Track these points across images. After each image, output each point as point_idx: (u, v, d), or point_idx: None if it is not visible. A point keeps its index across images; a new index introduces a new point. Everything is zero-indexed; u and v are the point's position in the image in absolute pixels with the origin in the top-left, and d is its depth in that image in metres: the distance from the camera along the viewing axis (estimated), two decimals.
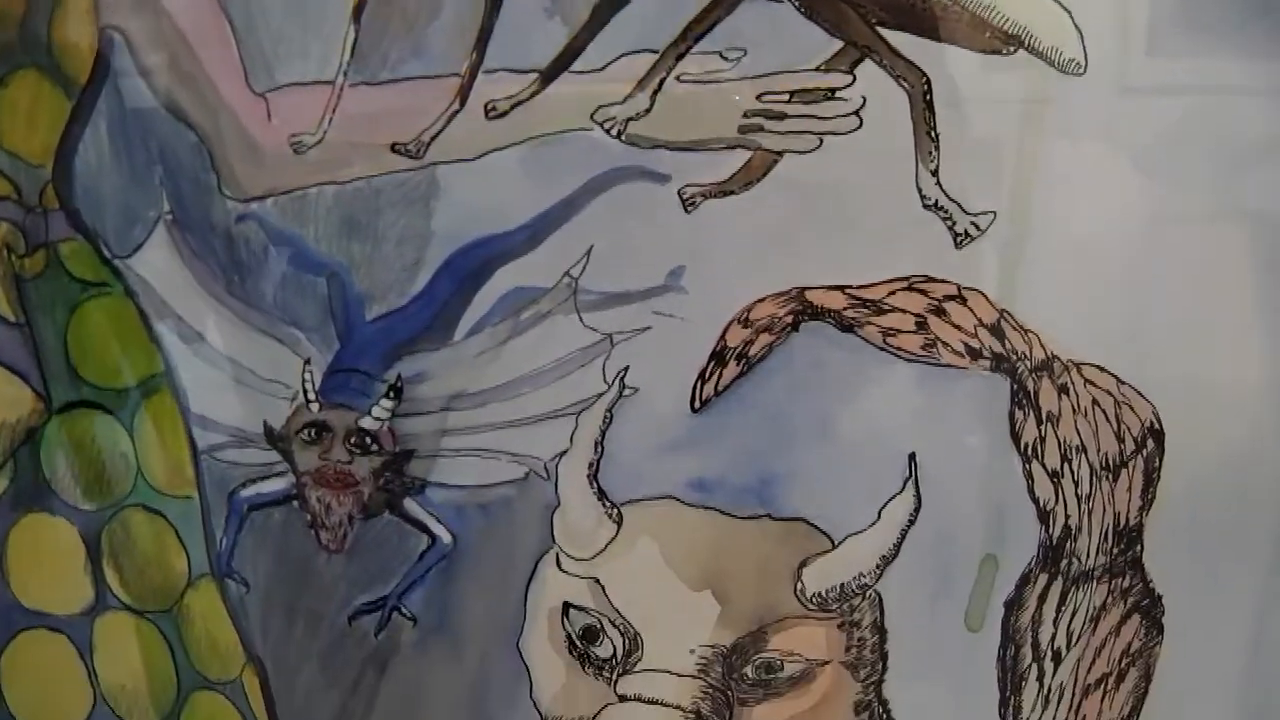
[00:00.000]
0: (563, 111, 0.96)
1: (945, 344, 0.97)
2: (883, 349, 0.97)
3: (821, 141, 0.95)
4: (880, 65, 0.93)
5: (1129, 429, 0.98)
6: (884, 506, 0.99)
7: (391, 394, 1.01)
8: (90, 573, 1.10)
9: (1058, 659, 1.02)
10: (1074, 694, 1.03)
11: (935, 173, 0.94)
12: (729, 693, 1.01)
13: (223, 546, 1.07)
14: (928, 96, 0.93)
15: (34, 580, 1.10)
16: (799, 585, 1.00)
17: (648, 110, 0.95)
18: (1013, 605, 1.01)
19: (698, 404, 0.99)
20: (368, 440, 1.02)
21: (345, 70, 0.97)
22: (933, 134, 0.94)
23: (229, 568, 1.07)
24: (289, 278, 1.01)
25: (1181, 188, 0.95)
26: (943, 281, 0.97)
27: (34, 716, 1.13)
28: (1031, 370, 0.97)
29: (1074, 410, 0.98)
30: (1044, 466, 0.99)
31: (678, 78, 0.95)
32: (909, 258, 0.96)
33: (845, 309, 0.97)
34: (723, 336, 0.98)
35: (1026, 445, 0.98)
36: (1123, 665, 1.03)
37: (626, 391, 0.99)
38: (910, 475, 0.98)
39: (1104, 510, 0.99)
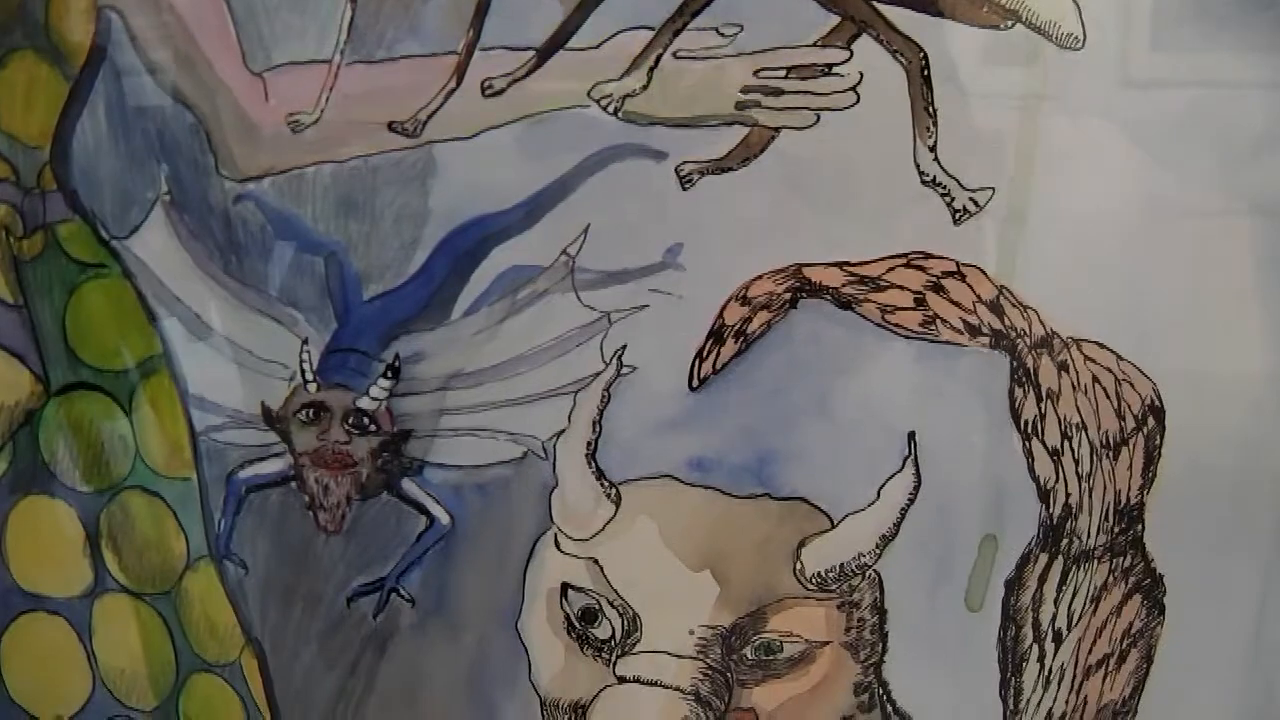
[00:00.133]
0: (559, 89, 0.96)
1: (944, 321, 0.96)
2: (881, 326, 0.97)
3: (819, 118, 0.95)
4: (877, 41, 0.93)
5: (1129, 406, 0.98)
6: (883, 485, 0.98)
7: (389, 374, 1.01)
8: (89, 555, 1.09)
9: (1059, 639, 1.01)
10: (1075, 675, 1.02)
11: (933, 148, 0.94)
12: (728, 674, 1.01)
13: (221, 528, 1.07)
14: (925, 72, 0.93)
15: (33, 563, 1.10)
16: (798, 565, 0.99)
17: (644, 87, 0.95)
18: (1013, 585, 1.01)
19: (696, 382, 0.99)
20: (365, 420, 1.02)
21: (342, 49, 0.97)
22: (930, 110, 0.94)
23: (227, 549, 1.07)
24: (286, 258, 1.01)
25: (1183, 167, 0.95)
26: (941, 258, 0.96)
27: (33, 699, 1.13)
28: (1031, 347, 0.97)
29: (1074, 387, 0.97)
30: (1044, 444, 0.98)
31: (674, 54, 0.95)
32: (907, 234, 0.96)
33: (843, 286, 0.97)
34: (721, 314, 0.98)
35: (1026, 423, 0.98)
36: (1124, 646, 1.02)
37: (624, 370, 0.99)
38: (910, 454, 0.98)
39: (1105, 489, 0.99)
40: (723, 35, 0.94)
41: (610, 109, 0.95)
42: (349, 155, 0.98)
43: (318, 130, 0.98)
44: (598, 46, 0.95)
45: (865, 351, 0.98)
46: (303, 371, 1.02)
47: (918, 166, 0.95)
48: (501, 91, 0.96)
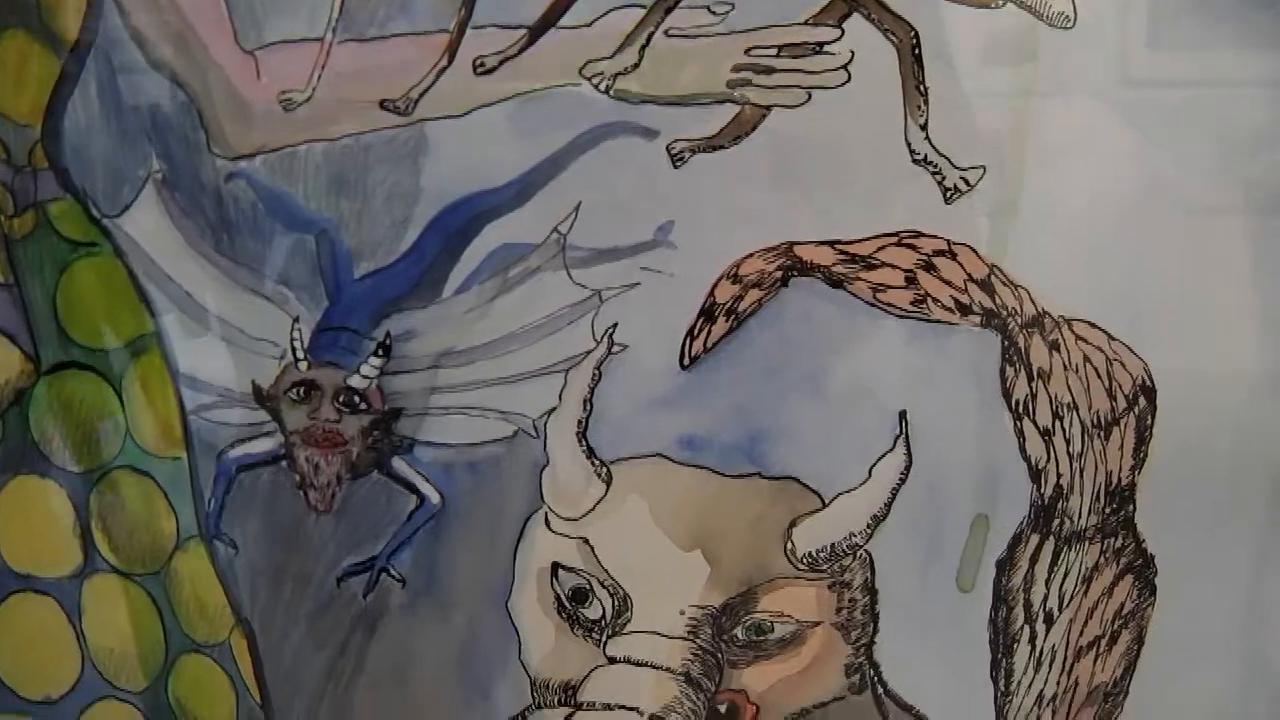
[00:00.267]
0: (551, 67, 0.96)
1: (935, 299, 0.96)
2: (873, 305, 0.97)
3: (810, 96, 0.95)
4: (868, 19, 0.93)
5: (1120, 386, 0.98)
6: (874, 465, 0.98)
7: (380, 352, 1.00)
8: (79, 535, 1.09)
9: (1050, 620, 1.01)
10: (1066, 656, 1.02)
11: (924, 127, 0.94)
12: (719, 655, 1.00)
13: (211, 508, 1.06)
14: (916, 51, 0.93)
15: (23, 543, 1.10)
16: (789, 545, 0.99)
17: (636, 65, 0.95)
18: (1004, 566, 1.01)
19: (687, 361, 0.99)
20: (356, 399, 1.01)
21: (334, 27, 0.97)
22: (921, 88, 0.94)
23: (217, 529, 1.07)
24: (278, 236, 1.00)
25: (1181, 162, 0.95)
26: (932, 236, 0.96)
27: (22, 679, 1.13)
28: (1022, 326, 0.97)
29: (1065, 367, 0.97)
30: (1035, 424, 0.98)
31: (665, 32, 0.95)
32: (898, 212, 0.96)
33: (834, 264, 0.97)
34: (712, 292, 0.98)
35: (1017, 402, 0.98)
36: (1115, 627, 1.02)
37: (615, 348, 0.98)
38: (901, 433, 0.97)
39: (1096, 469, 0.99)
40: (714, 13, 0.94)
41: (602, 87, 0.95)
42: (341, 133, 0.98)
43: (310, 108, 0.98)
44: (589, 24, 0.95)
45: (857, 330, 0.98)
46: (294, 350, 1.01)
47: (909, 145, 0.95)
48: (493, 70, 0.96)
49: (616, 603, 1.00)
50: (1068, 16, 0.92)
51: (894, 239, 0.96)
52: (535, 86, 0.96)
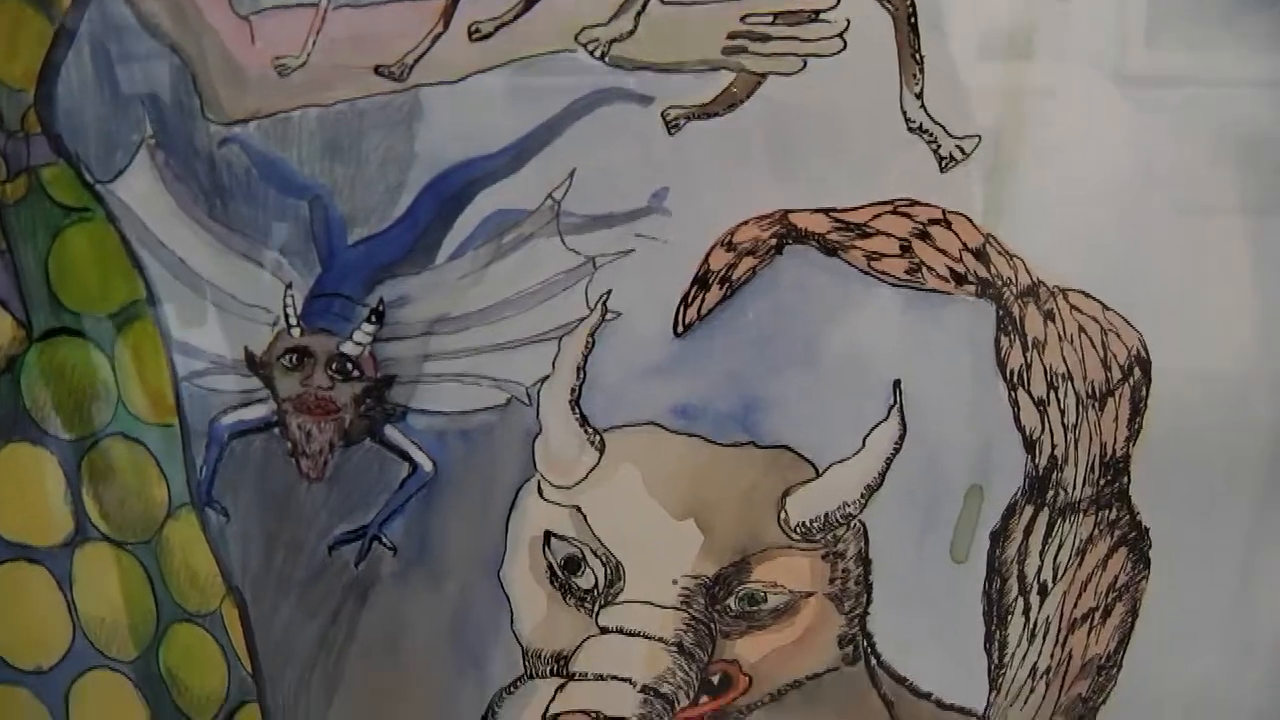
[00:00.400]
0: (546, 33, 0.95)
1: (930, 268, 0.96)
2: (867, 273, 0.97)
3: (805, 64, 0.95)
4: None
5: (1115, 357, 0.98)
6: (868, 434, 0.98)
7: (373, 318, 1.00)
8: (71, 503, 1.09)
9: (1044, 592, 1.01)
10: (1060, 628, 1.02)
11: (919, 95, 0.94)
12: (712, 625, 1.00)
13: (203, 475, 1.06)
14: (912, 19, 0.93)
15: (14, 511, 1.10)
16: (783, 514, 0.99)
17: (631, 32, 0.95)
18: (998, 537, 1.00)
19: (680, 328, 0.98)
20: (349, 366, 1.01)
21: None
22: (917, 56, 0.94)
23: (209, 497, 1.06)
24: (271, 201, 1.00)
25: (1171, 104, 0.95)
26: (928, 205, 0.96)
27: (13, 648, 1.12)
28: (1017, 296, 0.97)
29: (1060, 337, 0.97)
30: (1030, 394, 0.98)
31: None
32: (894, 181, 0.96)
33: (829, 232, 0.96)
34: (706, 260, 0.97)
35: (1012, 372, 0.98)
36: (1109, 600, 1.02)
37: (609, 315, 0.98)
38: (895, 402, 0.97)
39: (1091, 440, 0.98)
40: None
41: (597, 53, 0.95)
42: (335, 99, 0.98)
43: (304, 74, 0.98)
44: None
45: (851, 299, 0.97)
46: (286, 316, 1.01)
47: (904, 113, 0.94)
48: (488, 35, 0.96)
49: (609, 572, 1.00)
50: None
51: (889, 207, 0.96)
52: (530, 52, 0.96)
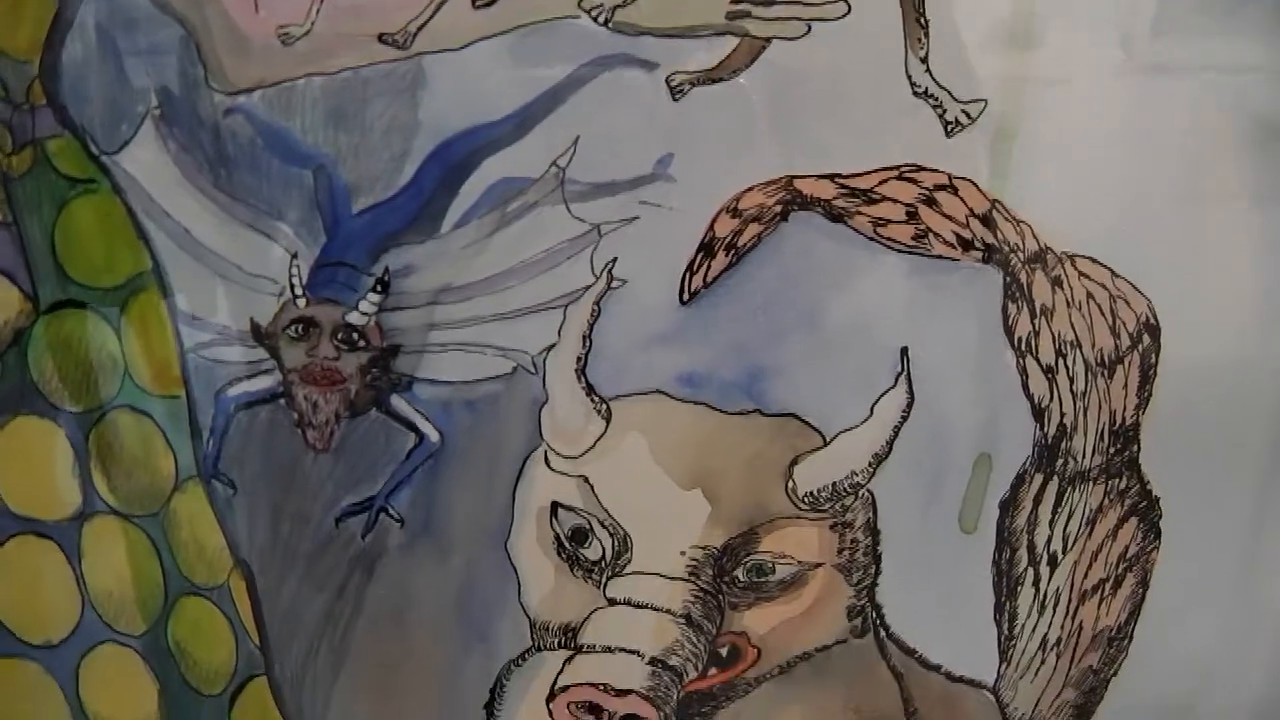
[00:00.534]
0: None
1: (936, 234, 0.96)
2: (873, 240, 0.97)
3: (810, 28, 0.94)
4: None
5: (1124, 324, 0.97)
6: (876, 402, 0.97)
7: (378, 288, 1.00)
8: (78, 476, 1.09)
9: (1054, 563, 1.00)
10: (1070, 599, 1.01)
11: (925, 60, 0.93)
12: (720, 596, 1.00)
13: (209, 447, 1.06)
14: None
15: (23, 485, 1.10)
16: (790, 484, 0.98)
17: None
18: (1008, 506, 1.00)
19: (686, 296, 0.98)
20: (355, 336, 1.01)
21: None
22: (922, 20, 0.93)
23: (215, 469, 1.06)
24: (276, 171, 1.00)
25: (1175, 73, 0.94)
26: (933, 170, 0.95)
27: (22, 623, 1.13)
28: (1024, 262, 0.96)
29: (1068, 304, 0.97)
30: (1038, 362, 0.97)
31: None
32: (899, 146, 0.95)
33: (835, 198, 0.96)
34: (711, 227, 0.97)
35: (1020, 340, 0.97)
36: (1120, 570, 1.01)
37: (615, 283, 0.98)
38: (903, 370, 0.96)
39: (1100, 408, 0.98)
40: None
41: (601, 19, 0.95)
42: (339, 67, 0.98)
43: (308, 42, 0.98)
44: None
45: (857, 266, 0.97)
46: (292, 286, 1.01)
47: (909, 78, 0.94)
48: (492, 2, 0.96)
49: (616, 543, 1.00)
50: None
51: (895, 173, 0.95)
52: (534, 19, 0.96)
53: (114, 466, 1.09)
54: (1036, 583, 1.01)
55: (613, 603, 1.00)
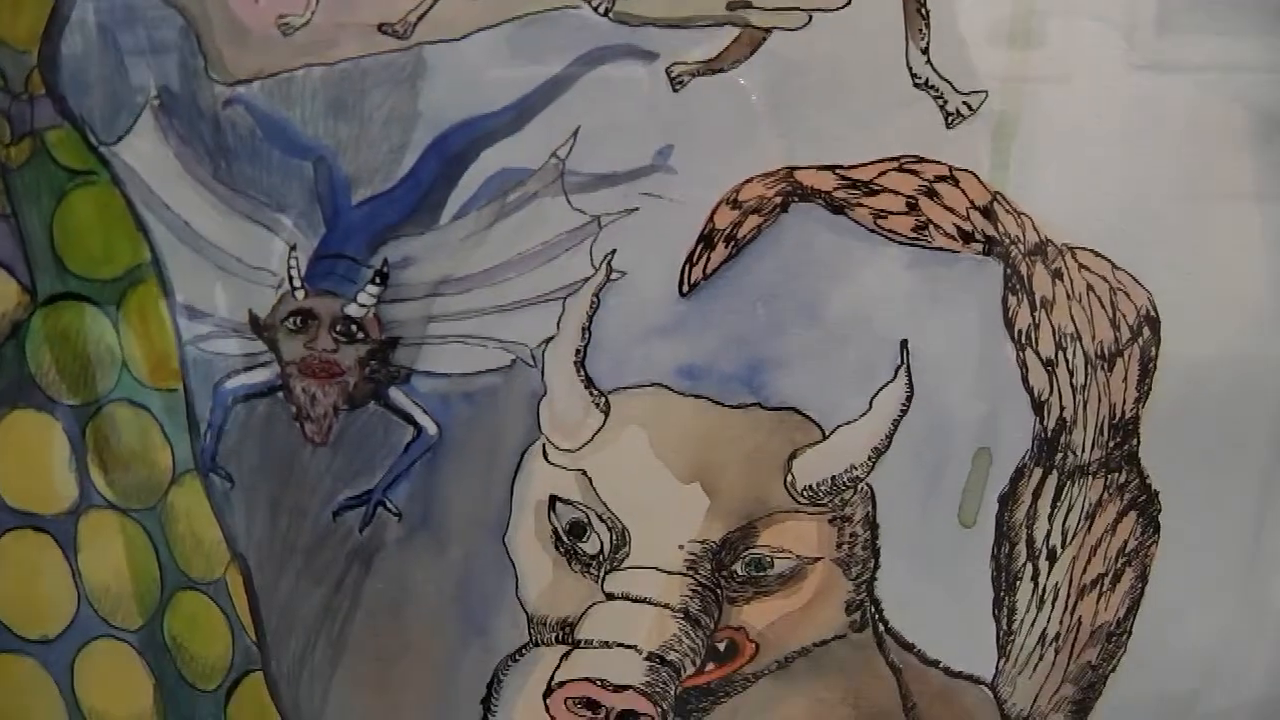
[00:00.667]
0: None
1: (937, 226, 0.96)
2: (874, 231, 0.96)
3: (810, 18, 0.94)
4: None
5: (1124, 316, 0.97)
6: (875, 395, 0.97)
7: (377, 279, 1.00)
8: (75, 470, 1.09)
9: (1053, 557, 1.00)
10: (1069, 594, 1.01)
11: (926, 51, 0.93)
12: (718, 590, 0.99)
13: (207, 440, 1.05)
14: None
15: (19, 478, 1.09)
16: (789, 477, 0.98)
17: None
18: (1007, 500, 1.00)
19: (686, 288, 0.97)
20: (353, 328, 1.01)
21: None
22: (923, 11, 0.93)
23: (213, 463, 1.06)
24: (275, 162, 1.00)
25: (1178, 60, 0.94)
26: (934, 162, 0.95)
27: (18, 617, 1.12)
28: (1025, 254, 0.96)
29: (1068, 296, 0.96)
30: (1038, 355, 0.97)
31: None
32: (899, 137, 0.95)
33: (835, 190, 0.96)
34: (711, 218, 0.96)
35: (1020, 332, 0.97)
36: (1119, 565, 1.01)
37: (614, 275, 0.97)
38: (902, 363, 0.96)
39: (1100, 401, 0.98)
40: None
41: (601, 9, 0.95)
42: (339, 57, 0.98)
43: (307, 32, 0.98)
44: None
45: (857, 258, 0.96)
46: (290, 278, 1.01)
47: (910, 69, 0.94)
48: None
49: (614, 536, 0.99)
50: None
51: (895, 164, 0.95)
52: (534, 9, 0.96)
53: (111, 460, 1.08)
54: (1035, 577, 1.01)
55: (610, 597, 1.00)
